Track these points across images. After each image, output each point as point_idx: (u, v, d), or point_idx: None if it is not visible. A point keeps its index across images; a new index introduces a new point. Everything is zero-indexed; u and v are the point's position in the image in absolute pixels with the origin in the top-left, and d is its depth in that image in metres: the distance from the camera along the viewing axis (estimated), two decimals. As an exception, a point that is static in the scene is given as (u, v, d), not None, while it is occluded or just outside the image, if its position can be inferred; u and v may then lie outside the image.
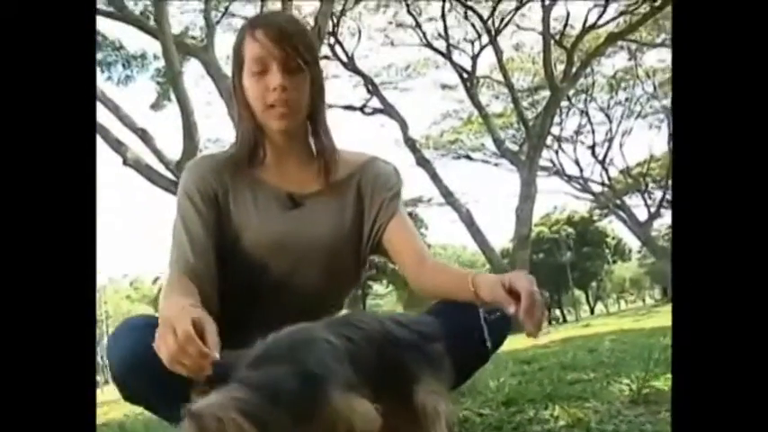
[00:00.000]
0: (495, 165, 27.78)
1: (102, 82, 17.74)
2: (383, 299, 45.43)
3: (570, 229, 46.98)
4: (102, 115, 14.65)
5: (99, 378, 44.45)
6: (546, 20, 18.72)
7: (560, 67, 20.04)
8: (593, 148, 27.48)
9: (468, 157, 28.59)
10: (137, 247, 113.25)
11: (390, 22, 22.51)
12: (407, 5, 20.71)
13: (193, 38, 18.32)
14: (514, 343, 5.42)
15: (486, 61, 23.74)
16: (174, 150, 13.47)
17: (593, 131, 27.28)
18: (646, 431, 1.63)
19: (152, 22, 15.21)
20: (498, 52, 20.57)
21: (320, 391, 1.28)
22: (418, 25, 21.60)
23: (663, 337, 4.22)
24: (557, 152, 27.63)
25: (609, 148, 27.43)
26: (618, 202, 29.13)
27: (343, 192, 1.93)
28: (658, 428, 1.63)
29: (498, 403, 2.10)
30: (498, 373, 2.96)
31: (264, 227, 1.86)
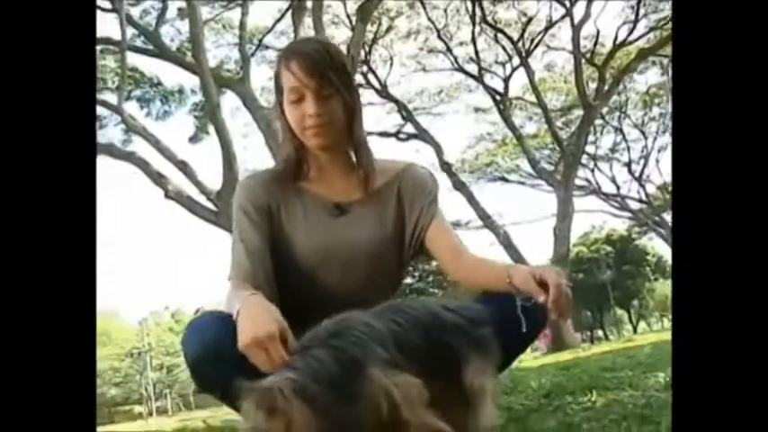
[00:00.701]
0: (532, 186, 27.64)
1: (143, 118, 18.12)
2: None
3: (609, 248, 46.42)
4: (143, 149, 15.00)
5: (143, 409, 44.78)
6: (576, 39, 18.72)
7: (592, 86, 19.98)
8: (629, 165, 27.25)
9: (504, 179, 28.51)
10: (178, 278, 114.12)
11: (421, 48, 22.67)
12: (438, 31, 20.85)
13: (228, 71, 18.65)
14: (557, 356, 5.46)
15: (518, 83, 23.83)
16: (213, 181, 13.71)
17: (628, 148, 27.05)
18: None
19: (188, 58, 15.57)
20: (530, 73, 20.58)
21: (360, 372, 1.40)
22: (449, 50, 21.72)
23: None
24: (593, 171, 27.45)
25: (645, 164, 27.15)
26: (657, 218, 28.80)
27: (384, 198, 2.06)
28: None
29: (540, 396, 2.20)
30: (540, 376, 3.06)
31: (314, 234, 2.01)
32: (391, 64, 21.93)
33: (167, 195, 13.59)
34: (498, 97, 21.52)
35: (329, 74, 1.93)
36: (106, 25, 15.14)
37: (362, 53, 18.03)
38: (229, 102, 18.66)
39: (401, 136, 22.31)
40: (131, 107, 17.90)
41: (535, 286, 1.68)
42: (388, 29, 21.15)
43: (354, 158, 2.07)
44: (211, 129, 15.73)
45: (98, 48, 16.73)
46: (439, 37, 21.11)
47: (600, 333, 48.66)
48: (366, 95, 21.80)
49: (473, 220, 20.62)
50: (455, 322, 1.60)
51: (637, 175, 27.27)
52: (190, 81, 19.25)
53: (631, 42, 20.01)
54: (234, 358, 1.66)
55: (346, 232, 2.03)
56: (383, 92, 21.56)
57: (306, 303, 1.94)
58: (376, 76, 21.41)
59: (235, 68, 18.80)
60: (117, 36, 14.66)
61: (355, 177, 2.06)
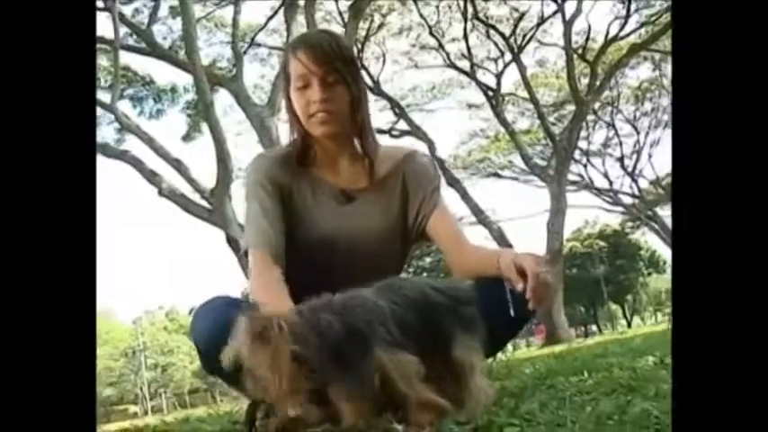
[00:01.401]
0: (525, 181, 27.68)
1: (136, 116, 18.12)
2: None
3: (602, 243, 46.55)
4: (137, 148, 15.01)
5: (138, 409, 44.76)
6: (567, 34, 18.77)
7: (584, 81, 20.03)
8: (621, 160, 27.29)
9: (498, 175, 28.55)
10: (173, 277, 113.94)
11: (414, 45, 22.70)
12: (430, 27, 20.88)
13: (221, 69, 18.66)
14: (551, 348, 5.51)
15: (511, 79, 23.76)
16: (207, 179, 13.74)
17: (620, 143, 27.07)
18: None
19: (181, 56, 15.59)
20: (522, 69, 20.63)
21: (364, 348, 1.48)
22: (441, 46, 21.74)
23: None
24: (585, 166, 27.46)
25: (638, 159, 27.18)
26: (649, 213, 28.88)
27: (390, 186, 2.13)
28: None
29: (534, 379, 2.25)
30: (534, 364, 3.12)
31: (322, 219, 2.08)
32: (383, 61, 22.00)
33: (161, 193, 13.62)
34: (491, 93, 21.56)
35: (335, 63, 2.00)
36: (99, 24, 15.12)
37: (355, 50, 18.04)
38: (222, 100, 18.68)
39: (394, 133, 22.32)
40: (124, 106, 17.89)
41: (515, 274, 1.75)
42: (380, 26, 21.19)
43: (359, 147, 2.12)
44: (205, 127, 15.76)
45: (91, 47, 16.72)
46: (431, 33, 21.14)
47: (594, 328, 48.76)
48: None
49: (467, 216, 20.62)
50: (442, 302, 1.66)
51: (629, 169, 27.33)
52: (182, 79, 19.27)
53: (623, 38, 20.06)
54: None
55: (353, 219, 2.09)
56: (376, 89, 21.57)
57: (308, 286, 2.01)
58: (368, 73, 21.41)
59: (227, 66, 18.81)
60: (110, 35, 14.65)
61: (361, 166, 2.12)
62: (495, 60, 21.75)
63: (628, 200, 29.18)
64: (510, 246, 19.29)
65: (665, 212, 28.73)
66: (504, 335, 2.05)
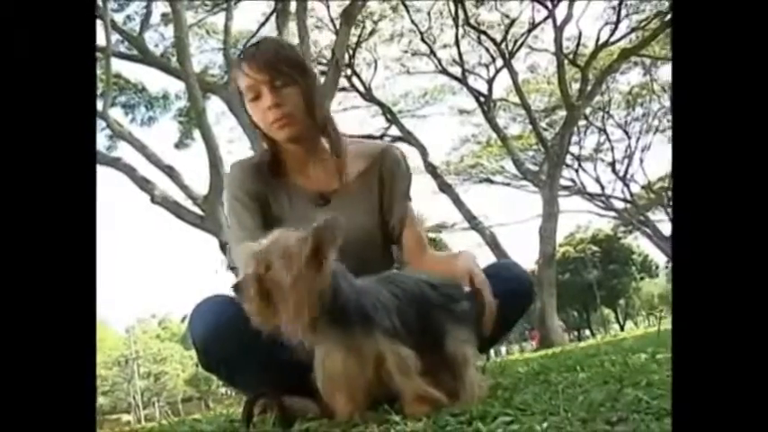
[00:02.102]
0: (517, 187, 27.69)
1: (128, 124, 18.11)
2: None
3: (595, 248, 46.64)
4: (129, 155, 14.99)
5: (131, 418, 44.54)
6: (558, 40, 18.82)
7: (576, 86, 20.08)
8: (613, 165, 27.35)
9: (490, 181, 28.55)
10: (165, 285, 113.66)
11: (405, 51, 22.75)
12: (421, 34, 20.92)
13: (213, 76, 18.66)
14: (545, 351, 5.52)
15: (502, 84, 23.76)
16: (200, 186, 13.73)
17: (612, 148, 27.13)
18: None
19: (173, 63, 15.59)
20: (513, 75, 20.67)
21: (369, 332, 1.55)
22: (433, 53, 21.79)
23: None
24: (577, 171, 27.51)
25: (629, 164, 27.24)
26: (641, 217, 28.94)
27: (368, 184, 2.15)
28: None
29: (527, 375, 2.28)
30: (528, 363, 3.15)
31: (301, 225, 2.07)
32: (375, 67, 22.05)
33: (154, 200, 13.59)
34: (482, 99, 21.61)
35: (279, 66, 2.01)
36: (90, 31, 15.10)
37: (346, 56, 18.09)
38: (214, 107, 18.67)
39: (386, 139, 22.36)
40: (116, 113, 17.86)
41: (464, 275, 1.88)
42: (372, 32, 21.22)
43: (327, 146, 2.13)
44: (197, 134, 15.75)
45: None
46: (422, 39, 21.18)
47: (587, 332, 48.79)
48: (350, 99, 21.90)
49: (459, 221, 20.66)
50: (437, 298, 1.70)
51: (621, 174, 27.40)
52: (174, 86, 19.30)
53: (613, 43, 20.14)
54: (239, 338, 1.75)
55: None
56: (367, 95, 21.63)
57: None
58: (360, 80, 21.49)
59: (219, 73, 18.82)
60: (101, 42, 14.63)
61: (333, 165, 2.13)
62: (487, 66, 21.82)
63: (620, 204, 29.24)
64: (504, 254, 19.34)
65: (657, 217, 28.85)
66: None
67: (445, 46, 21.66)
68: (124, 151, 17.34)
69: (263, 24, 18.40)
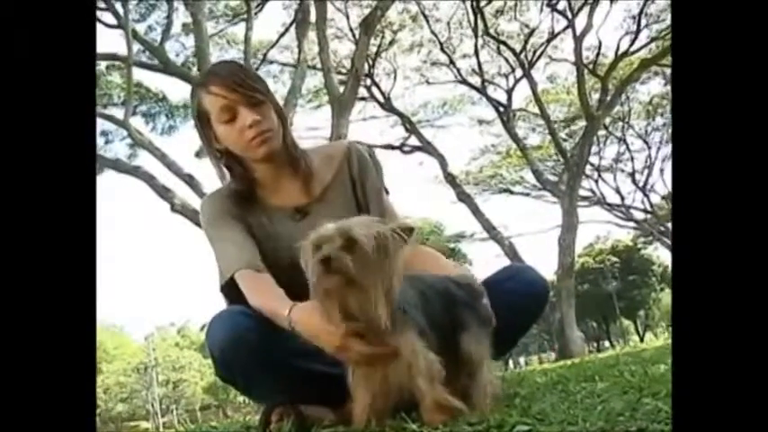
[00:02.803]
0: (536, 197, 27.61)
1: (148, 132, 18.21)
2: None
3: (614, 258, 46.32)
4: (149, 164, 15.07)
5: (150, 425, 44.67)
6: (578, 50, 18.76)
7: (595, 96, 19.97)
8: (633, 175, 27.18)
9: (509, 191, 28.48)
10: (185, 293, 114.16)
11: (425, 61, 22.73)
12: (441, 44, 20.91)
13: (233, 85, 18.69)
14: (563, 362, 5.49)
15: (522, 94, 23.66)
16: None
17: (632, 159, 26.96)
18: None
19: (193, 72, 15.68)
20: (533, 85, 20.59)
21: (403, 326, 1.56)
22: (452, 62, 21.77)
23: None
24: (597, 181, 27.35)
25: (649, 174, 27.04)
26: (661, 228, 28.73)
27: (340, 187, 2.15)
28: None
29: (546, 385, 2.27)
30: (546, 373, 3.14)
31: (282, 242, 2.06)
32: (395, 77, 22.04)
33: (173, 209, 13.65)
34: (502, 109, 21.55)
35: (250, 83, 2.00)
36: (112, 41, 15.27)
37: (366, 66, 18.12)
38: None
39: (405, 149, 22.35)
40: (137, 122, 17.97)
41: None
42: (392, 42, 21.25)
43: (294, 164, 2.12)
44: (217, 143, 15.80)
45: (104, 64, 16.86)
46: (442, 50, 21.17)
47: (606, 344, 48.44)
48: (369, 108, 21.93)
49: (478, 231, 20.56)
50: (462, 296, 1.70)
51: (641, 185, 27.20)
52: (194, 96, 19.34)
53: (633, 53, 20.02)
54: (256, 349, 1.76)
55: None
56: (387, 105, 21.63)
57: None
58: (380, 89, 21.51)
59: (240, 83, 18.86)
60: (123, 52, 14.77)
61: (301, 180, 2.13)
62: (506, 76, 21.76)
63: (639, 215, 29.03)
64: (523, 262, 19.26)
65: (678, 228, 28.46)
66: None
67: (465, 56, 21.65)
68: (145, 160, 17.42)
69: (282, 34, 18.51)
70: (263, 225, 2.10)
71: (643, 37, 19.91)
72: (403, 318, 1.57)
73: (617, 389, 1.79)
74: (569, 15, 18.97)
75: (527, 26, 20.57)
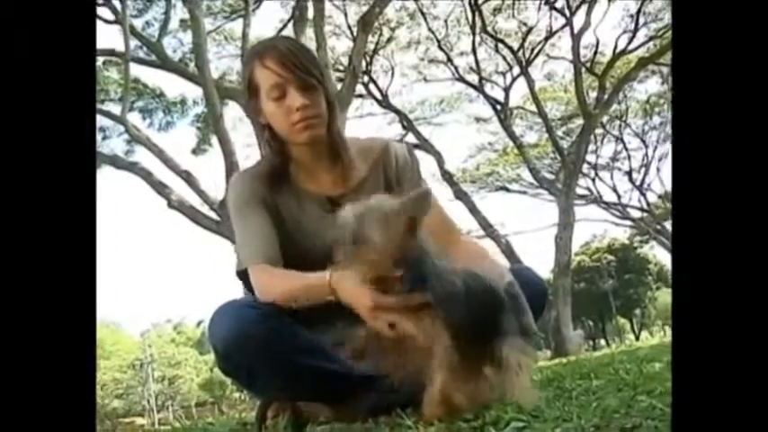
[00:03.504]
0: (533, 195, 27.57)
1: (146, 129, 18.19)
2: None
3: (611, 257, 46.40)
4: (146, 159, 15.06)
5: (145, 421, 44.64)
6: (576, 48, 18.75)
7: (593, 95, 19.97)
8: (630, 173, 27.17)
9: (506, 189, 28.46)
10: (181, 289, 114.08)
11: (422, 59, 22.71)
12: (438, 41, 20.90)
13: (231, 82, 18.72)
14: (558, 360, 5.51)
15: (519, 92, 23.78)
16: (217, 191, 13.78)
17: (629, 157, 26.92)
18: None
19: (191, 69, 15.67)
20: (530, 83, 20.58)
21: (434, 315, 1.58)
22: (450, 60, 21.75)
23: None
24: (593, 180, 27.34)
25: (646, 173, 27.01)
26: (658, 227, 28.74)
27: (372, 184, 2.10)
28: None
29: (541, 382, 2.27)
30: (541, 371, 3.15)
31: (311, 231, 2.04)
32: (392, 74, 21.99)
33: (170, 205, 13.63)
34: (499, 107, 21.52)
35: (307, 65, 1.96)
36: (109, 37, 15.25)
37: (363, 63, 18.11)
38: (232, 113, 18.71)
39: (402, 145, 22.31)
40: (134, 118, 17.94)
41: None
42: (389, 39, 21.22)
43: (334, 152, 2.09)
44: (214, 139, 15.80)
45: (101, 59, 16.83)
46: (439, 47, 21.16)
47: (602, 342, 48.52)
48: (367, 106, 21.92)
49: (475, 229, 20.53)
50: (510, 305, 1.70)
51: (638, 183, 27.19)
52: (192, 92, 19.33)
53: (631, 51, 20.00)
54: (260, 343, 1.76)
55: None
56: (384, 102, 21.62)
57: None
58: (377, 87, 21.49)
59: (237, 79, 18.84)
60: (120, 47, 14.74)
61: (340, 169, 2.10)
62: (504, 74, 21.74)
63: (636, 214, 29.02)
64: (520, 262, 19.27)
65: (674, 227, 28.46)
66: None
67: (462, 54, 21.63)
68: (142, 156, 17.43)
69: (280, 31, 18.44)
70: (291, 210, 2.08)
71: (641, 36, 19.92)
72: (423, 295, 1.58)
73: (612, 386, 1.80)
74: (567, 13, 18.96)
75: (525, 24, 20.55)
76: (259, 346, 1.79)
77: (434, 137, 25.16)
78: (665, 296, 50.71)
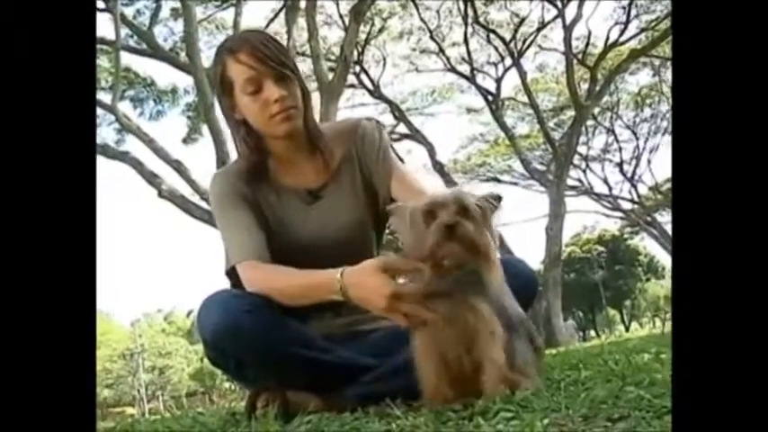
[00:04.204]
0: (524, 186, 27.58)
1: (136, 118, 18.11)
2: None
3: (601, 248, 46.56)
4: (137, 149, 15.02)
5: (135, 411, 44.67)
6: (568, 39, 18.74)
7: (584, 86, 19.99)
8: (620, 165, 27.20)
9: (497, 180, 28.42)
10: (171, 279, 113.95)
11: (414, 49, 22.66)
12: (430, 32, 20.86)
13: (222, 71, 18.62)
14: (548, 351, 5.55)
15: (511, 83, 23.62)
16: (207, 180, 13.74)
17: (620, 149, 26.95)
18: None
19: (182, 58, 15.60)
20: (522, 74, 20.57)
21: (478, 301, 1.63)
22: (442, 51, 21.71)
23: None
24: (584, 171, 27.39)
25: (637, 165, 27.04)
26: (648, 219, 28.81)
27: (348, 169, 2.12)
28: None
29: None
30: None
31: (293, 224, 2.05)
32: (384, 64, 21.95)
33: (161, 195, 13.61)
34: (490, 98, 21.51)
35: (281, 57, 1.96)
36: (100, 25, 15.14)
37: (355, 53, 18.06)
38: (222, 102, 18.61)
39: (394, 136, 22.30)
40: (125, 107, 17.84)
41: None
42: (381, 29, 21.17)
43: (311, 143, 2.09)
44: (205, 129, 15.75)
45: (91, 48, 16.72)
46: (431, 37, 21.11)
47: (592, 333, 48.73)
48: (358, 96, 21.88)
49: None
50: (527, 331, 1.76)
51: (628, 175, 27.25)
52: (183, 81, 19.25)
53: (623, 43, 20.01)
54: (249, 333, 1.76)
55: (325, 217, 2.07)
56: (376, 92, 21.59)
57: None
58: (369, 77, 21.44)
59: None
60: (111, 36, 14.67)
61: (318, 160, 2.10)
62: (496, 65, 21.72)
63: (627, 205, 29.10)
64: (511, 253, 19.30)
65: (664, 218, 28.65)
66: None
67: (454, 44, 21.60)
68: (132, 145, 17.34)
69: (272, 20, 18.38)
70: (272, 205, 2.07)
71: (633, 27, 19.93)
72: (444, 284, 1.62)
73: (601, 377, 1.81)
74: (559, 5, 18.95)
75: (517, 15, 20.52)
76: (248, 335, 1.79)
77: (426, 127, 25.11)
78: (654, 288, 50.95)
